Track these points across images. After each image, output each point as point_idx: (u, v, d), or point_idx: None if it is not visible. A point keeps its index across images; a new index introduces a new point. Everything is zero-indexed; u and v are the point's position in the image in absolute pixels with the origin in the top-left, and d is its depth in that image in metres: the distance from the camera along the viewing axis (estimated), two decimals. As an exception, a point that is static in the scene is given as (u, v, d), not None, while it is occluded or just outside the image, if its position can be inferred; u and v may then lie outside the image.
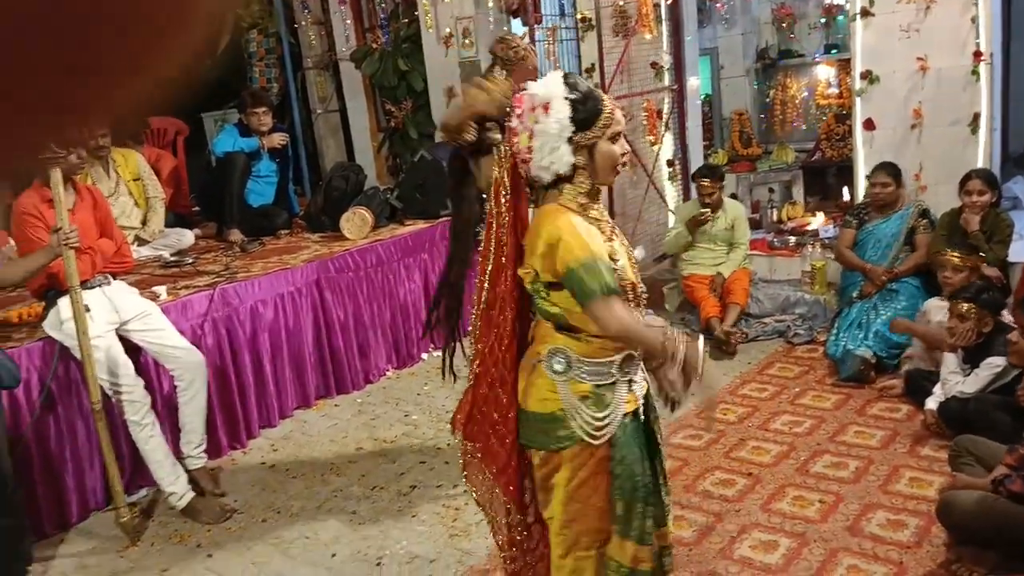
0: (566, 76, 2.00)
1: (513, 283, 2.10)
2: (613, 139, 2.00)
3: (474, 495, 2.32)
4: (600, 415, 2.04)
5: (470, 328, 2.22)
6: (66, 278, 3.25)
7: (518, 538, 2.29)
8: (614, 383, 2.06)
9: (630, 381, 2.09)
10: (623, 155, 2.03)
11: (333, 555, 3.25)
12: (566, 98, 1.95)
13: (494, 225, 2.11)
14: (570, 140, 1.96)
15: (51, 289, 3.46)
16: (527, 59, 3.45)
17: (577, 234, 1.96)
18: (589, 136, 1.98)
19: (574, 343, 2.04)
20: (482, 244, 2.17)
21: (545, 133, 1.95)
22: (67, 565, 3.37)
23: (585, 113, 1.97)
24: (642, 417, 2.14)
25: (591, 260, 1.93)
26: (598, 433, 2.04)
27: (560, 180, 2.00)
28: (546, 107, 1.95)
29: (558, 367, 2.05)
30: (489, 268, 2.12)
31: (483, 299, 2.15)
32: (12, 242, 4.02)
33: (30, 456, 3.47)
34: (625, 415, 2.07)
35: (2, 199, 4.98)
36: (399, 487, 3.72)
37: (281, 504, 3.68)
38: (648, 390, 2.18)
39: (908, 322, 4.27)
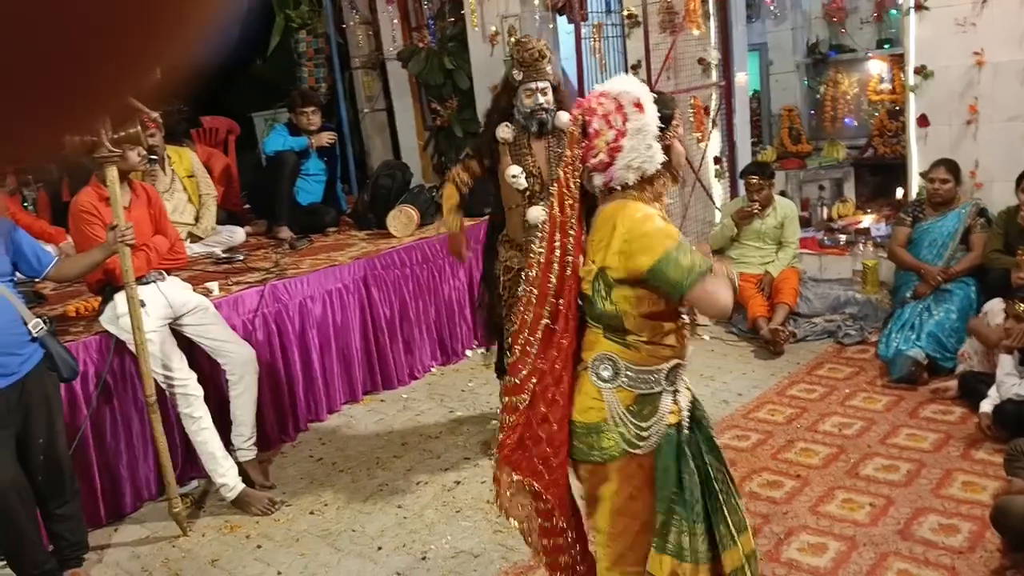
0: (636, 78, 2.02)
1: (576, 295, 2.04)
2: (680, 138, 2.04)
3: (516, 525, 2.22)
4: (644, 424, 2.01)
5: (520, 343, 2.09)
6: (122, 274, 3.34)
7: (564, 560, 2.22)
8: (660, 392, 2.03)
9: (675, 392, 2.06)
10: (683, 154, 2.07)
11: (379, 548, 3.29)
12: (652, 97, 1.97)
13: (557, 235, 2.04)
14: (658, 138, 1.97)
15: (108, 284, 3.56)
16: (544, 59, 3.43)
17: (661, 222, 1.96)
18: (668, 135, 2.00)
19: (622, 349, 2.01)
20: (539, 255, 2.07)
21: (641, 131, 1.94)
22: (120, 554, 3.46)
23: (665, 111, 1.99)
24: (686, 431, 2.06)
25: (681, 244, 1.92)
26: (641, 443, 2.01)
27: (640, 181, 1.98)
28: (639, 104, 1.94)
29: (604, 373, 2.02)
30: (553, 280, 2.04)
31: (545, 312, 2.04)
32: (70, 239, 4.14)
33: (86, 447, 3.58)
34: (669, 426, 2.04)
35: (55, 196, 5.11)
36: (444, 482, 3.75)
37: (328, 497, 3.74)
38: (694, 400, 2.14)
39: (983, 328, 4.06)
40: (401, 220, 5.30)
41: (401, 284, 4.93)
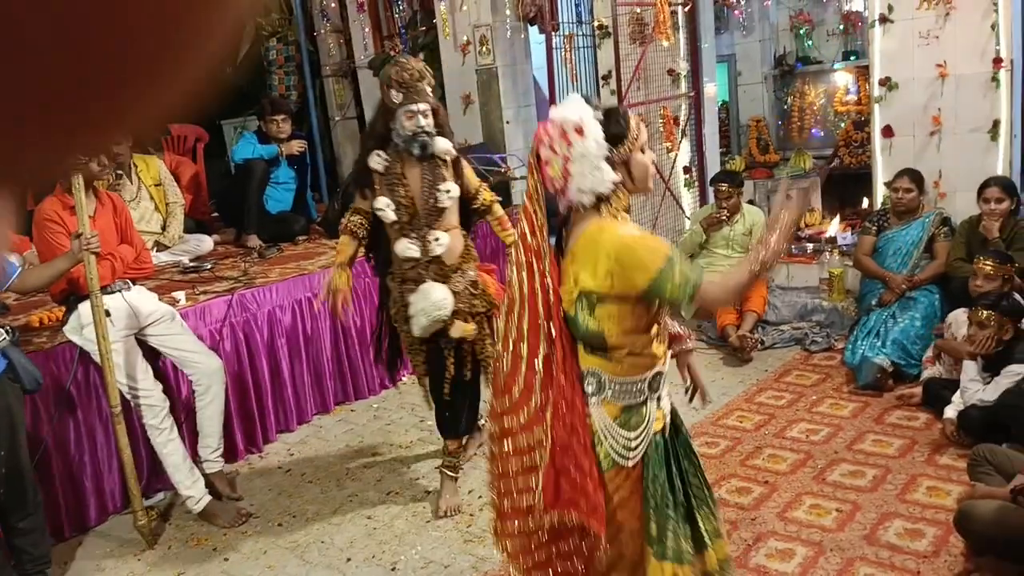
0: (584, 97, 2.00)
1: (562, 319, 2.04)
2: (643, 149, 2.03)
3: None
4: (631, 435, 2.03)
5: (519, 380, 2.05)
6: (87, 283, 3.29)
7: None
8: (644, 401, 2.05)
9: (659, 398, 2.08)
10: (652, 162, 2.06)
11: (348, 560, 3.26)
12: (596, 118, 1.95)
13: (534, 261, 2.03)
14: (607, 159, 1.96)
15: (72, 294, 3.50)
16: (424, 80, 3.22)
17: (645, 237, 1.97)
18: (623, 151, 1.99)
19: (604, 363, 2.03)
20: (518, 286, 2.05)
21: (585, 156, 1.93)
22: (84, 567, 3.40)
23: (615, 129, 1.98)
24: (667, 434, 2.10)
25: (671, 259, 1.92)
26: (630, 454, 2.03)
27: (599, 201, 1.99)
28: (579, 130, 1.93)
29: (589, 388, 2.05)
30: (540, 307, 2.02)
31: (541, 340, 2.02)
32: (34, 248, 4.08)
33: (49, 459, 3.51)
34: (656, 433, 2.06)
35: (20, 205, 5.04)
36: (414, 492, 3.73)
37: (297, 508, 3.70)
38: (672, 406, 2.17)
39: (951, 344, 4.12)
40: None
41: (372, 292, 4.90)
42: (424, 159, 3.23)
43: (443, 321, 3.27)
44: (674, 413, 2.17)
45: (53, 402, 3.51)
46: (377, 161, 3.26)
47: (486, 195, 3.50)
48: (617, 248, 1.93)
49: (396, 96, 3.18)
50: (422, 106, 3.19)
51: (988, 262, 3.99)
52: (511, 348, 2.07)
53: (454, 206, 3.32)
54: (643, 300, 1.96)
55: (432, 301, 3.23)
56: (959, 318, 4.12)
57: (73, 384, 3.57)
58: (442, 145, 3.25)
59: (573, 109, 1.97)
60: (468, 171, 3.43)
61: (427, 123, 3.19)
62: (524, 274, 2.05)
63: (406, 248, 3.25)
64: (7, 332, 2.98)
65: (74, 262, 3.28)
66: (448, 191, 3.25)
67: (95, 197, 3.59)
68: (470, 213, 3.48)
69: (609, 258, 1.93)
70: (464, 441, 3.71)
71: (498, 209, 3.54)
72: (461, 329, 3.31)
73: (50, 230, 3.43)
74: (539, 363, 2.03)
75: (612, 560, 2.11)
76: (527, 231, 2.05)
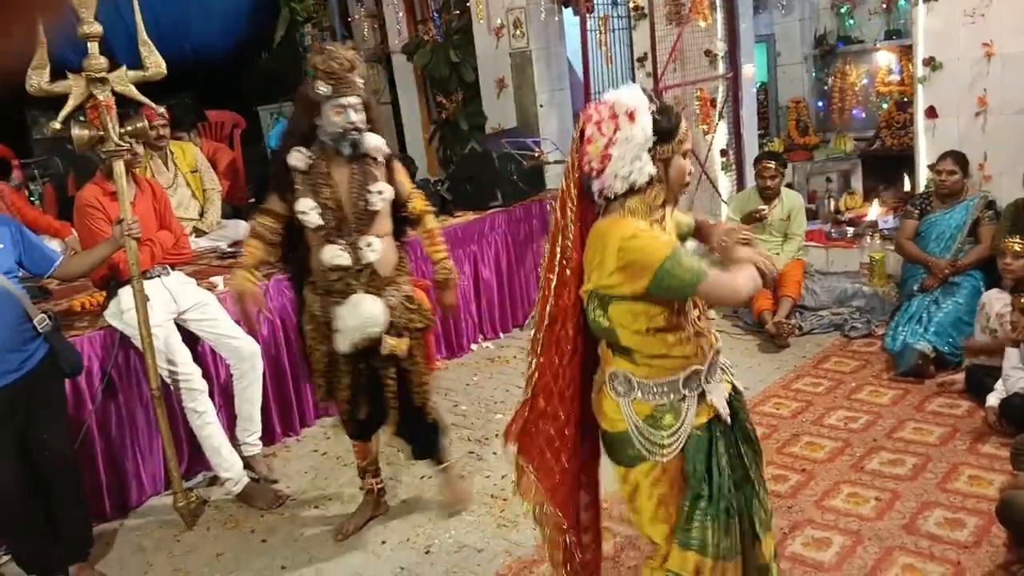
0: (643, 89, 2.00)
1: (575, 297, 2.07)
2: (685, 155, 2.02)
3: (531, 511, 2.31)
4: (663, 433, 2.02)
5: (531, 341, 2.17)
6: (127, 268, 3.35)
7: (577, 557, 2.29)
8: (682, 399, 2.03)
9: (701, 394, 2.05)
10: (690, 173, 2.04)
11: (383, 542, 3.29)
12: (650, 110, 1.94)
13: (559, 238, 2.07)
14: (650, 151, 1.95)
15: (112, 279, 3.56)
16: (355, 71, 2.88)
17: (650, 235, 1.94)
18: (667, 150, 1.97)
19: (631, 366, 2.03)
20: (545, 257, 2.12)
21: (628, 141, 1.92)
22: (125, 548, 3.48)
23: (667, 127, 1.96)
24: (721, 425, 2.08)
25: (674, 252, 1.91)
26: (664, 451, 2.02)
27: (631, 191, 1.97)
28: (631, 115, 1.92)
29: (620, 388, 2.06)
30: (553, 282, 2.08)
31: (547, 313, 2.10)
32: (75, 233, 4.15)
33: (92, 442, 3.59)
34: (697, 428, 2.04)
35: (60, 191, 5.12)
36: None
37: (333, 491, 3.74)
38: (733, 390, 2.16)
39: (980, 344, 4.07)
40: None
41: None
42: (355, 159, 2.93)
43: (373, 338, 2.97)
44: (734, 398, 2.15)
45: (95, 386, 3.58)
46: (299, 158, 2.91)
47: (418, 203, 3.15)
48: (622, 246, 1.92)
49: (324, 88, 2.84)
50: (352, 99, 2.87)
51: (1015, 240, 3.91)
52: (540, 300, 2.14)
53: (386, 210, 3.01)
54: (653, 298, 1.94)
55: (364, 315, 2.92)
56: (992, 298, 4.03)
57: (114, 368, 3.63)
58: (374, 142, 2.95)
59: (631, 95, 1.96)
60: (402, 174, 3.11)
61: (358, 118, 2.89)
62: (548, 248, 2.11)
63: (334, 256, 2.91)
64: (49, 318, 3.04)
65: (115, 247, 3.33)
66: (380, 192, 2.95)
67: (135, 183, 3.63)
68: (401, 221, 3.15)
69: (614, 255, 1.93)
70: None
71: (430, 221, 3.19)
72: (392, 345, 3.01)
73: (91, 216, 3.49)
74: (543, 332, 2.12)
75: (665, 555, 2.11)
76: (558, 208, 2.08)
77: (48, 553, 3.10)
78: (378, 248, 2.95)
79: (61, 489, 3.12)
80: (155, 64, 3.34)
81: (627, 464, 2.08)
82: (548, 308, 2.10)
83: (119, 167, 3.29)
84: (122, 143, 3.30)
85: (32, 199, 5.93)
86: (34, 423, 3.01)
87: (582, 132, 2.00)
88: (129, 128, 3.34)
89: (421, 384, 3.19)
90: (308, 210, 2.89)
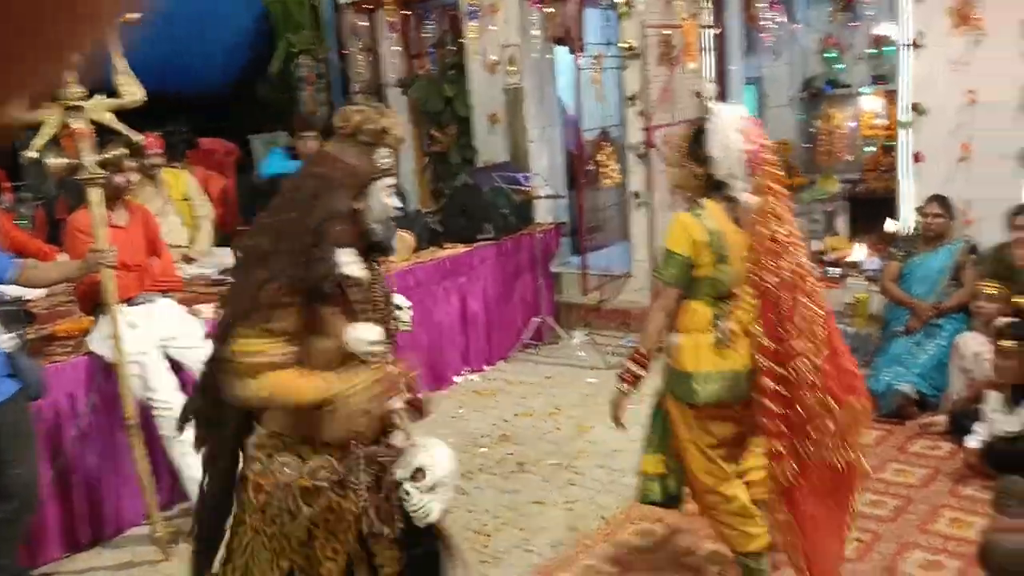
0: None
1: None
2: None
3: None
4: None
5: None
6: (104, 296, 3.35)
7: None
8: None
9: None
10: None
11: (362, 576, 3.25)
12: None
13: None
14: None
15: (99, 305, 3.56)
16: (390, 133, 2.04)
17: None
18: None
19: None
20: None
21: None
22: (103, 576, 3.43)
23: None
24: None
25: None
26: None
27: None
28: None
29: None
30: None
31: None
32: (62, 257, 4.15)
33: (70, 470, 3.55)
34: None
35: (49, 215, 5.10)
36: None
37: (313, 523, 3.70)
38: None
39: (962, 399, 4.11)
40: (397, 245, 5.31)
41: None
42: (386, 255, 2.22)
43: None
44: None
45: (75, 413, 3.56)
46: (358, 267, 2.05)
47: None
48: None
49: (387, 160, 2.05)
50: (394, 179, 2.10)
51: (988, 284, 4.07)
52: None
53: None
54: None
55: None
56: (967, 339, 4.09)
57: (97, 395, 3.61)
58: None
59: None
60: None
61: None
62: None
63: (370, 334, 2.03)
64: (18, 337, 3.02)
65: (86, 271, 3.35)
66: (401, 307, 2.37)
67: (126, 209, 3.65)
68: None
69: None
70: None
71: None
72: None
73: (78, 240, 3.50)
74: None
75: None
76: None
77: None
78: None
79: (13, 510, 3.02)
80: (131, 93, 3.33)
81: None
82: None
83: (95, 194, 3.29)
84: (98, 171, 3.30)
85: (23, 222, 5.92)
86: (6, 458, 2.96)
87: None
88: (106, 156, 3.35)
89: None
90: (377, 339, 2.00)
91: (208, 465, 2.23)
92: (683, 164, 2.71)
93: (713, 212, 2.63)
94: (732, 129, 2.56)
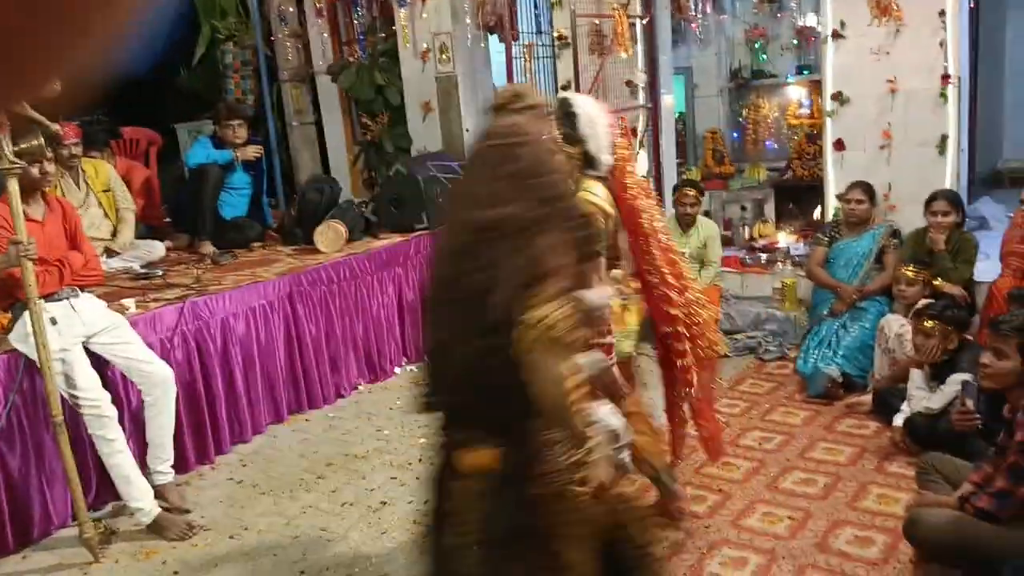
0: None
1: None
2: None
3: None
4: None
5: None
6: (24, 290, 3.22)
7: None
8: None
9: None
10: None
11: (301, 572, 3.21)
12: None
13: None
14: None
15: (17, 301, 3.42)
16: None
17: None
18: None
19: None
20: None
21: None
22: (29, 582, 3.30)
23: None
24: None
25: None
26: None
27: None
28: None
29: None
30: None
31: None
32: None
33: (-8, 471, 3.41)
34: None
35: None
36: (369, 503, 3.69)
37: (249, 521, 3.64)
38: None
39: (886, 376, 4.23)
40: (329, 236, 5.23)
41: (328, 301, 4.86)
42: None
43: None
44: None
45: (-4, 412, 3.41)
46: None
47: None
48: None
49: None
50: None
51: (908, 268, 4.30)
52: None
53: None
54: None
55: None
56: (890, 320, 4.26)
57: (19, 393, 3.47)
58: None
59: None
60: None
61: None
62: None
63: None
64: None
65: (7, 265, 3.22)
66: None
67: (44, 203, 3.51)
68: None
69: None
70: None
71: None
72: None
73: (-3, 233, 3.35)
74: None
75: None
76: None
77: None
78: None
79: None
80: None
81: None
82: None
83: (13, 185, 3.16)
84: (16, 161, 3.17)
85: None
86: None
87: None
88: (23, 146, 3.22)
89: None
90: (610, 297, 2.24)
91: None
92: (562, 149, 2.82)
93: (594, 187, 2.83)
94: (591, 107, 2.82)
